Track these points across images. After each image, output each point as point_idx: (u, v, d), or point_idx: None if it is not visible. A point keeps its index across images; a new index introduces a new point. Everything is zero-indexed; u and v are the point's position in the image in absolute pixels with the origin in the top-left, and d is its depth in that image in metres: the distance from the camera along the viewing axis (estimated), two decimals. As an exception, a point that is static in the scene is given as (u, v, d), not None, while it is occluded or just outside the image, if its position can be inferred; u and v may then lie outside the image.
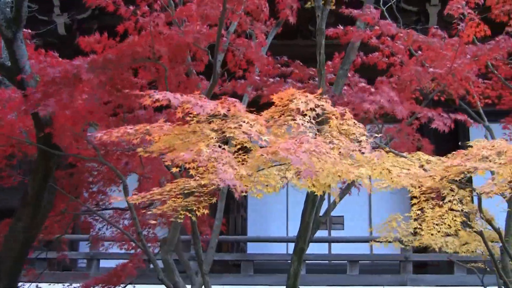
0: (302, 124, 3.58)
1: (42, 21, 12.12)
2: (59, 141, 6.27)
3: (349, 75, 7.18)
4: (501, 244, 5.94)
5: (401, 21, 7.28)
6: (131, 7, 6.52)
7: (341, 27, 6.87)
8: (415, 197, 4.88)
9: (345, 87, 7.07)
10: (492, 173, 4.50)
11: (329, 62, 7.57)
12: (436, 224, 5.12)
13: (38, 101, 5.78)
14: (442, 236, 7.20)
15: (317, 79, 6.90)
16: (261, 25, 7.11)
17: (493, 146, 4.14)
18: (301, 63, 7.69)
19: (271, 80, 7.42)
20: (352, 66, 7.20)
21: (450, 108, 7.16)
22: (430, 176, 4.17)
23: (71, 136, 6.31)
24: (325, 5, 6.54)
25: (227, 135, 3.55)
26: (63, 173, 7.79)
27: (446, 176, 4.08)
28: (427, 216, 5.05)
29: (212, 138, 3.55)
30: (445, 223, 5.03)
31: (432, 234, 5.15)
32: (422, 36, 6.97)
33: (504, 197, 6.04)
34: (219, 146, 3.51)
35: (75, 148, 6.78)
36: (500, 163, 3.90)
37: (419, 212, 5.09)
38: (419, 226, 5.19)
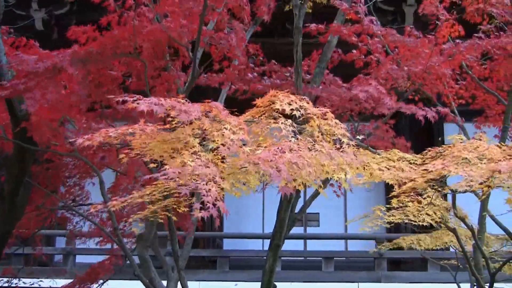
0: (284, 128, 3.58)
1: (20, 16, 12.06)
2: (37, 136, 6.24)
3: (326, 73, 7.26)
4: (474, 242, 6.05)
5: (378, 20, 7.34)
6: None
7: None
8: (394, 196, 4.92)
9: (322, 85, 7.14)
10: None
11: (308, 61, 7.63)
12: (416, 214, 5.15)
13: (17, 92, 5.73)
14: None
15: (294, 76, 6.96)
16: (239, 24, 7.15)
17: (473, 146, 4.20)
18: (275, 63, 7.74)
19: (250, 75, 7.46)
20: (330, 64, 7.26)
21: (425, 107, 7.24)
22: (409, 178, 4.24)
23: (49, 131, 6.28)
24: (302, 4, 6.59)
25: (210, 146, 3.51)
26: (39, 168, 7.76)
27: (425, 177, 4.14)
28: (408, 208, 5.09)
29: (195, 146, 3.52)
30: (426, 214, 5.07)
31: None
32: (398, 35, 7.06)
33: (477, 196, 6.17)
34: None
35: (52, 143, 6.75)
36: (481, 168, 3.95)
37: (400, 204, 5.14)
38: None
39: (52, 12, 12.55)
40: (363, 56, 7.35)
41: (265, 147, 3.49)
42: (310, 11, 7.17)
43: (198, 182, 3.24)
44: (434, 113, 6.20)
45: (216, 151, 3.51)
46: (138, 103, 3.50)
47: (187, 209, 4.11)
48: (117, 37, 6.15)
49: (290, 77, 7.65)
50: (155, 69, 6.67)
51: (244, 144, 3.56)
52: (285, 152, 3.37)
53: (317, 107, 3.90)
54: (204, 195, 3.20)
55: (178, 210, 4.03)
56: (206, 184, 3.25)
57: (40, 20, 12.64)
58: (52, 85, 5.81)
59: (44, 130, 6.16)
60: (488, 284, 5.76)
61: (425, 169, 4.15)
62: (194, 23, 6.23)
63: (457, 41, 7.13)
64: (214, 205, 3.20)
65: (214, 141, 3.46)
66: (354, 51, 7.39)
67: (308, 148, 3.51)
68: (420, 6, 7.17)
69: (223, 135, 3.48)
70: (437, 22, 7.07)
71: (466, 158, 4.07)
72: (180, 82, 6.88)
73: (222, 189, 3.38)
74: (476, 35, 7.09)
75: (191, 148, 3.49)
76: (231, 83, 7.50)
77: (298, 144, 3.51)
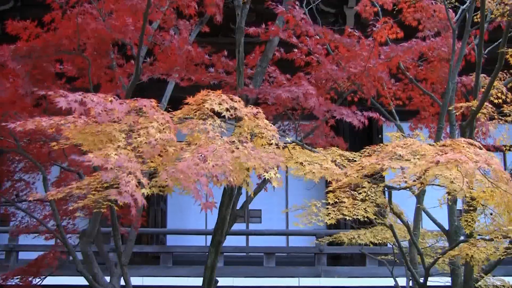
0: (212, 130, 3.61)
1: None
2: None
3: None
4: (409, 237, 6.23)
5: (320, 21, 7.49)
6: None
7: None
8: (331, 191, 5.03)
9: (264, 83, 7.26)
10: (403, 169, 4.76)
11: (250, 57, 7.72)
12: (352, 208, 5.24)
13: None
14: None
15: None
16: (185, 22, 7.20)
17: (407, 144, 4.36)
18: (225, 54, 7.78)
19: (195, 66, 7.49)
20: (270, 62, 7.37)
21: (364, 107, 7.43)
22: (345, 173, 4.36)
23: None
24: (244, 4, 6.68)
25: (133, 145, 3.49)
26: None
27: (360, 172, 4.26)
28: (344, 204, 5.18)
29: (121, 141, 3.50)
30: (360, 209, 5.16)
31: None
32: (338, 35, 7.22)
33: (413, 192, 6.38)
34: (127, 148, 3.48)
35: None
36: (415, 163, 4.10)
37: (336, 200, 5.23)
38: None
39: (-5, 8, 12.35)
40: (304, 56, 7.47)
41: (191, 151, 3.49)
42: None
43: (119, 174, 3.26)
44: (364, 118, 6.36)
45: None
46: (58, 100, 3.49)
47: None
48: (60, 34, 6.14)
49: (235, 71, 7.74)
50: (100, 67, 6.68)
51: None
52: (206, 159, 3.37)
53: (257, 106, 3.96)
54: (123, 185, 3.23)
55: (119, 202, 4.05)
56: (127, 176, 3.28)
57: (-18, 17, 12.41)
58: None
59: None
60: (423, 278, 5.96)
61: (360, 165, 4.27)
62: (139, 21, 6.27)
63: (392, 44, 7.34)
64: (132, 195, 3.23)
65: (138, 139, 3.49)
66: (296, 50, 7.52)
67: (232, 150, 3.53)
68: (356, 7, 7.36)
69: (148, 133, 3.49)
70: (375, 24, 7.26)
71: (400, 154, 4.22)
72: (124, 80, 6.90)
73: (140, 184, 3.39)
74: (414, 39, 7.32)
75: (117, 142, 3.49)
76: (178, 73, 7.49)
77: (223, 145, 3.53)
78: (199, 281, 6.93)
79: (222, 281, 7.69)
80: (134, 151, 3.49)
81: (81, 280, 7.32)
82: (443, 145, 4.34)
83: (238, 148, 3.57)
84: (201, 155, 3.40)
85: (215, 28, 8.07)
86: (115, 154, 3.34)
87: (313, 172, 4.26)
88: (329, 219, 5.19)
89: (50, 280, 8.93)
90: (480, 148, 4.14)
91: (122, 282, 7.40)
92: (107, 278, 7.49)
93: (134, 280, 8.09)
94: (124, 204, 3.60)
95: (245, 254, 12.69)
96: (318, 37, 7.16)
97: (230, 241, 10.62)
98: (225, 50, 7.46)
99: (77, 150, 4.10)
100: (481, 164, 3.90)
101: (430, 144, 4.42)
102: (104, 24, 6.27)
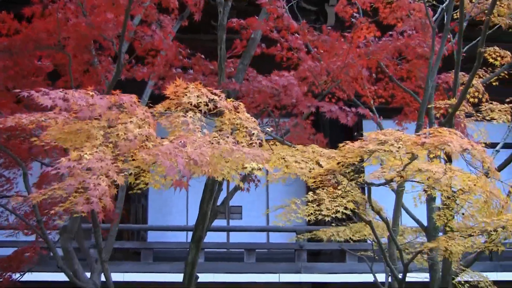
0: (192, 122, 3.62)
1: None
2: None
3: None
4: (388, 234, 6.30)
5: (301, 19, 7.53)
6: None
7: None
8: (312, 187, 5.05)
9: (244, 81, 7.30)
10: (382, 163, 4.81)
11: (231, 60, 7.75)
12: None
13: None
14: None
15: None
16: (167, 17, 7.20)
17: (390, 132, 4.41)
18: (203, 56, 7.84)
19: (174, 70, 7.52)
20: (251, 57, 7.41)
21: (344, 104, 7.48)
22: (330, 158, 4.39)
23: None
24: (226, 1, 6.70)
25: (111, 140, 3.50)
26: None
27: (344, 160, 4.29)
28: (323, 199, 5.21)
29: (99, 138, 3.51)
30: (340, 205, 5.18)
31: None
32: (318, 33, 7.27)
33: (391, 188, 6.44)
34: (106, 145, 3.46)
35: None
36: (399, 147, 4.14)
37: (315, 196, 5.26)
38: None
39: (-29, 3, 12.24)
40: (285, 52, 7.52)
41: (171, 140, 3.50)
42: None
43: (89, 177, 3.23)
44: (353, 115, 6.43)
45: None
46: (41, 98, 3.49)
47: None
48: (41, 29, 6.11)
49: (215, 72, 7.77)
50: (82, 63, 6.66)
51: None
52: (186, 146, 3.39)
53: (238, 101, 3.99)
54: (90, 190, 3.21)
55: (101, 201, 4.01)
56: (97, 179, 3.25)
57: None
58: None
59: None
60: (401, 274, 6.02)
61: (343, 155, 4.29)
62: (121, 15, 6.26)
63: (371, 39, 7.41)
64: (100, 200, 3.21)
65: (118, 134, 3.48)
66: (278, 45, 7.56)
67: (211, 142, 3.55)
68: (335, 7, 7.43)
69: (127, 129, 3.50)
70: (354, 21, 7.32)
71: (384, 140, 4.26)
72: (108, 76, 6.89)
73: (117, 185, 3.38)
74: (390, 33, 7.38)
75: (94, 140, 3.48)
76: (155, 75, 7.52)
77: (203, 138, 3.55)
78: (180, 277, 6.95)
79: (202, 277, 7.71)
80: (113, 148, 3.48)
81: (62, 277, 7.30)
82: (425, 133, 4.41)
83: (219, 142, 3.58)
84: (180, 141, 3.42)
85: (196, 25, 8.08)
86: (90, 153, 3.31)
87: (301, 168, 4.30)
88: (308, 216, 5.23)
89: (30, 277, 8.90)
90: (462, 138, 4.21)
91: (103, 278, 7.41)
92: (88, 274, 7.49)
93: (115, 276, 8.08)
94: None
95: (225, 250, 12.71)
96: (297, 35, 7.21)
97: (211, 237, 10.65)
98: (205, 47, 7.48)
99: (57, 146, 4.08)
100: (467, 145, 3.96)
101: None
102: (85, 19, 6.26)
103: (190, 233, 7.21)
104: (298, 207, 5.41)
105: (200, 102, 3.73)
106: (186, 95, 3.75)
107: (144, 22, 7.14)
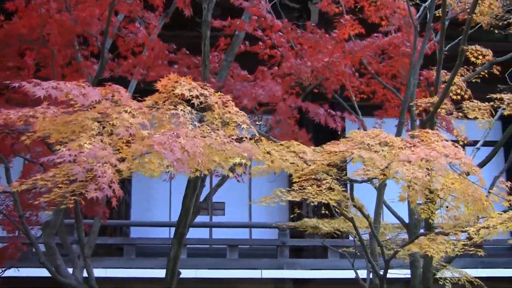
0: (183, 115, 3.65)
1: None
2: None
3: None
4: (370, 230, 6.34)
5: (284, 17, 7.56)
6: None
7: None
8: (295, 182, 5.07)
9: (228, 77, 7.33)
10: (364, 161, 4.84)
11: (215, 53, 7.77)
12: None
13: None
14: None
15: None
16: (151, 14, 7.21)
17: (375, 134, 4.42)
18: (187, 52, 7.84)
19: (159, 62, 7.52)
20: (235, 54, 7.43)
21: (327, 101, 7.53)
22: (314, 155, 4.40)
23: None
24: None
25: (106, 128, 3.52)
26: None
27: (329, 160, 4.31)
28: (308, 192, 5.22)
29: (94, 129, 3.52)
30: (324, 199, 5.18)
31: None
32: (301, 31, 7.31)
33: (374, 185, 6.49)
34: (101, 134, 3.49)
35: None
36: (384, 156, 4.16)
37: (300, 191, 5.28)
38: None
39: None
40: (268, 50, 7.55)
41: (162, 132, 3.53)
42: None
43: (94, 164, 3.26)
44: (341, 120, 6.48)
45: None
46: (35, 89, 3.50)
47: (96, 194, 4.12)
48: (24, 24, 6.09)
49: (199, 66, 7.78)
50: (65, 58, 6.65)
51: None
52: (179, 137, 3.44)
53: (219, 95, 4.00)
54: (99, 177, 3.24)
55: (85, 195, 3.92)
56: (102, 166, 3.28)
57: None
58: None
59: None
60: (383, 270, 6.07)
61: (329, 152, 4.31)
62: (106, 11, 6.26)
63: (357, 41, 7.47)
64: (110, 186, 3.25)
65: (113, 124, 3.50)
66: (261, 43, 7.59)
67: (203, 136, 3.58)
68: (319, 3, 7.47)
69: (122, 118, 3.51)
70: (339, 20, 7.37)
71: (369, 144, 4.28)
72: (91, 72, 6.88)
73: (120, 172, 3.41)
74: (376, 35, 7.45)
75: (90, 131, 3.49)
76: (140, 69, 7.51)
77: (194, 131, 3.58)
78: (162, 272, 6.96)
79: (185, 272, 7.72)
80: (109, 137, 3.50)
81: (44, 272, 7.29)
82: (412, 136, 4.44)
83: (211, 135, 3.62)
84: (173, 133, 3.46)
85: (181, 22, 8.09)
86: (89, 143, 3.34)
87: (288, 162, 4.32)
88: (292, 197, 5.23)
89: (12, 272, 8.88)
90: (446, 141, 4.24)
91: (85, 274, 7.41)
92: (70, 270, 7.48)
93: (97, 272, 8.07)
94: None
95: (208, 246, 12.71)
96: (281, 33, 7.25)
97: (194, 233, 10.65)
98: (190, 44, 7.49)
99: (42, 141, 4.06)
100: (451, 159, 3.99)
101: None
102: (69, 15, 6.25)
103: (173, 229, 7.22)
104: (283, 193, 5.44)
105: (192, 95, 3.75)
106: (176, 88, 3.77)
107: (127, 17, 7.14)
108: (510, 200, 4.89)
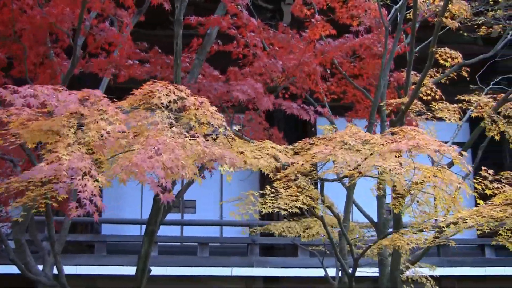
0: (161, 122, 3.64)
1: None
2: None
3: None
4: (339, 229, 6.41)
5: (257, 17, 7.60)
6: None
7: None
8: (277, 179, 5.09)
9: (200, 76, 7.35)
10: (334, 161, 4.90)
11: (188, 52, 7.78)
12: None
13: None
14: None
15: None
16: (123, 12, 7.20)
17: (354, 132, 4.46)
18: (159, 51, 7.85)
19: (130, 62, 7.52)
20: (208, 54, 7.45)
21: (298, 101, 7.59)
22: (293, 163, 4.44)
23: None
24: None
25: (85, 138, 3.46)
26: None
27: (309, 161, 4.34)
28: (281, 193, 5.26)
29: (70, 137, 3.49)
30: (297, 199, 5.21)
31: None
32: (273, 31, 7.37)
33: (343, 185, 6.56)
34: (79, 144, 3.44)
35: None
36: (371, 154, 4.20)
37: (272, 190, 5.32)
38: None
39: None
40: (241, 49, 7.59)
41: (141, 143, 3.49)
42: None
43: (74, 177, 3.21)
44: (310, 111, 6.53)
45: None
46: (13, 97, 3.46)
47: (66, 195, 4.11)
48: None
49: (172, 65, 7.79)
50: (38, 55, 6.62)
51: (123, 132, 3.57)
52: (159, 153, 3.39)
53: (195, 97, 4.01)
54: (80, 191, 3.20)
55: (57, 197, 3.83)
56: (82, 179, 3.24)
57: None
58: None
59: None
60: (352, 269, 6.14)
61: (312, 154, 4.34)
62: (77, 9, 6.25)
63: (329, 40, 7.54)
64: (91, 201, 3.23)
65: (90, 133, 3.46)
66: (235, 41, 7.63)
67: (184, 146, 3.57)
68: (292, 6, 7.52)
69: (99, 126, 3.48)
70: (311, 21, 7.43)
71: (350, 144, 4.32)
72: (63, 69, 6.86)
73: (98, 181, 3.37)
74: (347, 35, 7.53)
75: (66, 139, 3.46)
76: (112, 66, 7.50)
77: (173, 137, 3.56)
78: (133, 270, 6.96)
79: (155, 270, 7.74)
80: (85, 146, 3.46)
81: (14, 269, 7.25)
82: (393, 133, 4.50)
83: (190, 142, 3.60)
84: (153, 147, 3.41)
85: (153, 21, 8.10)
86: (67, 154, 3.29)
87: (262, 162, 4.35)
88: (264, 208, 5.29)
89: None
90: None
91: (55, 271, 7.38)
92: (40, 267, 7.45)
93: (68, 269, 8.05)
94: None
95: (179, 243, 12.72)
96: (253, 34, 7.29)
97: (165, 231, 10.67)
98: (162, 43, 7.49)
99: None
100: (441, 148, 4.06)
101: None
102: (41, 11, 6.23)
103: (144, 226, 7.23)
104: (256, 199, 5.47)
105: (170, 102, 3.74)
106: (153, 92, 3.77)
107: (100, 16, 7.13)
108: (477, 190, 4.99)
